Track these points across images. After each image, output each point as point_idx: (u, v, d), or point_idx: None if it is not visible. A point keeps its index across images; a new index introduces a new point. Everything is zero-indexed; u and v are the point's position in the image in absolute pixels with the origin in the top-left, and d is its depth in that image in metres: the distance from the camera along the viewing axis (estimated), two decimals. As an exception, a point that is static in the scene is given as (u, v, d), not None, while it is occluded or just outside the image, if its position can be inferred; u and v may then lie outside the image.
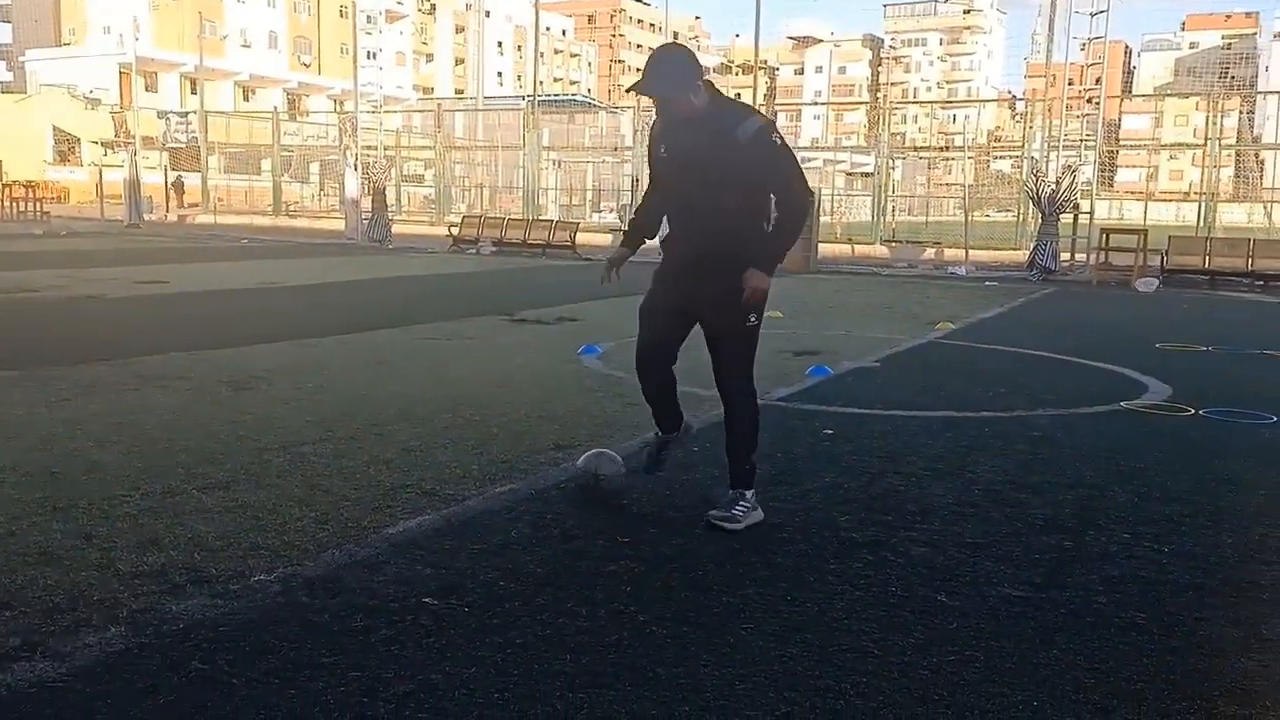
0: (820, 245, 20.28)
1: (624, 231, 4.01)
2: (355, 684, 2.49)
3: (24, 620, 2.78)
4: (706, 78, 3.60)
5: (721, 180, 3.54)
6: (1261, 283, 17.24)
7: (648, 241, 3.95)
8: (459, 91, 75.34)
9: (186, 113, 39.94)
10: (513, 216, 25.18)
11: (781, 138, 3.60)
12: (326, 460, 4.52)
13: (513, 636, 2.79)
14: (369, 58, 60.33)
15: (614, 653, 2.71)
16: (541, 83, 31.81)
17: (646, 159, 3.89)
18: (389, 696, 2.43)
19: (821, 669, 2.66)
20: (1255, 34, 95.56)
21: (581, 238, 22.89)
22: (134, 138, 33.03)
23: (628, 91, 3.62)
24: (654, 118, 3.77)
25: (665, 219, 3.84)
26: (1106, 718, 2.45)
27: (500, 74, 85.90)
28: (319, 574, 3.18)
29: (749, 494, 3.79)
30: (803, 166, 3.78)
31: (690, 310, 3.73)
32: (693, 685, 2.54)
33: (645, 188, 3.98)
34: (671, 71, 3.53)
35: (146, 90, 50.99)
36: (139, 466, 4.33)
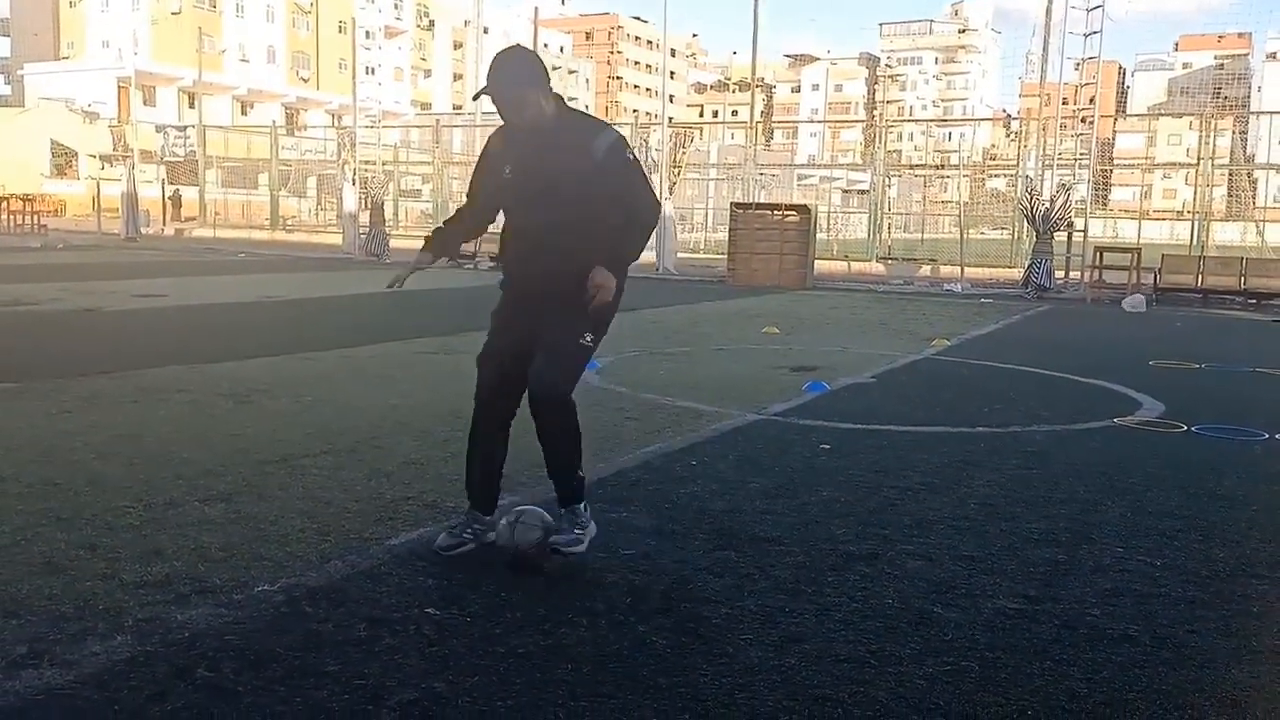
0: (816, 262, 20.37)
1: (427, 237, 3.68)
2: (359, 692, 2.52)
3: (31, 628, 2.81)
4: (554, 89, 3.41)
5: (574, 197, 3.33)
6: (1254, 301, 17.36)
7: (444, 259, 3.69)
8: (457, 107, 75.63)
9: (184, 127, 40.07)
10: (510, 232, 25.21)
11: (634, 153, 3.46)
12: (327, 473, 4.55)
13: (515, 646, 2.82)
14: (367, 73, 60.60)
15: (615, 662, 2.75)
16: (539, 99, 31.93)
17: (473, 179, 3.60)
18: (393, 705, 2.47)
19: (819, 678, 2.70)
20: (1247, 55, 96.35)
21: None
22: (132, 152, 33.11)
23: (475, 98, 3.33)
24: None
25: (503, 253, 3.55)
26: (1099, 727, 2.49)
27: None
28: (322, 584, 3.21)
29: (581, 507, 3.49)
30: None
31: (525, 344, 3.42)
32: (692, 694, 2.58)
33: (463, 203, 3.68)
34: (522, 70, 3.30)
35: (145, 104, 51.15)
36: (141, 478, 4.36)
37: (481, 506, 3.62)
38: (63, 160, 49.51)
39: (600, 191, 3.34)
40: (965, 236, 22.47)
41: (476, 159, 3.61)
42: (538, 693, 2.56)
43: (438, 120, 36.54)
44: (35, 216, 31.16)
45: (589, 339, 3.41)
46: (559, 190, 3.35)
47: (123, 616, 2.90)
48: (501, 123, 3.45)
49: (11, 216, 31.19)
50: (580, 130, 3.41)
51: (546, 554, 3.42)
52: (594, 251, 3.34)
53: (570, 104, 3.51)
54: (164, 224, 34.42)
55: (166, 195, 36.38)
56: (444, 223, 3.75)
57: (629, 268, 3.49)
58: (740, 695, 2.58)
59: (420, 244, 3.74)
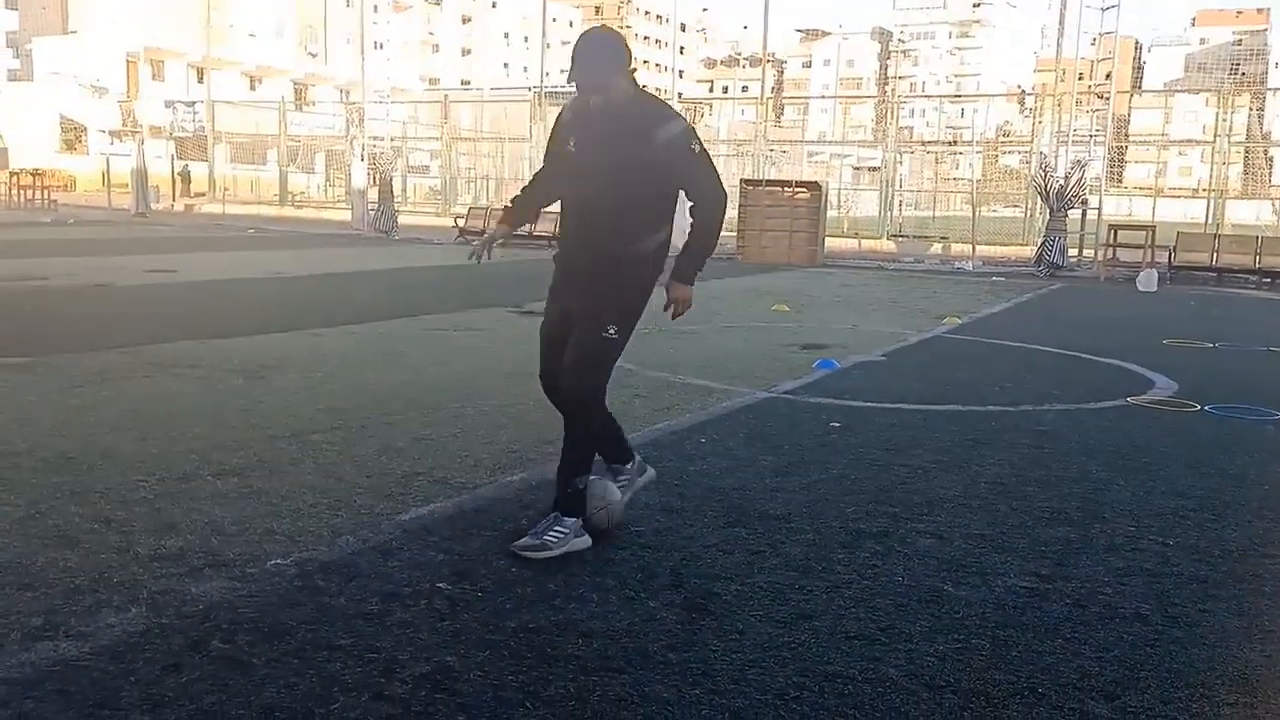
0: (827, 239, 20.29)
1: (505, 208, 3.70)
2: (372, 665, 2.54)
3: (46, 600, 2.83)
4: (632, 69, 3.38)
5: (631, 182, 3.32)
6: (1269, 280, 17.23)
7: (525, 227, 3.71)
8: (465, 82, 75.33)
9: (193, 102, 39.97)
10: (519, 208, 25.14)
11: (700, 144, 3.39)
12: (338, 448, 4.56)
13: (525, 621, 2.84)
14: (376, 48, 60.33)
15: (625, 638, 2.76)
16: (548, 74, 31.78)
17: (548, 147, 3.59)
18: (405, 678, 2.48)
19: (829, 655, 2.70)
20: (1266, 30, 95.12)
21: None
22: (141, 127, 33.11)
23: (569, 81, 3.29)
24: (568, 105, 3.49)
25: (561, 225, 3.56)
26: (1110, 704, 2.49)
27: (506, 64, 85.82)
28: (334, 559, 3.23)
29: (569, 520, 3.39)
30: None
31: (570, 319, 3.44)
32: (703, 670, 2.59)
33: (537, 172, 3.67)
34: (610, 57, 3.28)
35: (153, 79, 51.05)
36: (153, 453, 4.38)
37: (615, 459, 3.63)
38: (72, 135, 49.51)
39: (661, 177, 3.33)
40: (977, 214, 22.32)
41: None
42: (548, 667, 2.57)
43: (446, 96, 36.37)
44: (45, 191, 31.19)
45: (613, 331, 3.38)
46: (614, 173, 3.33)
47: (137, 589, 2.92)
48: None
49: (22, 191, 31.23)
50: (648, 116, 3.35)
51: (608, 521, 3.50)
52: (635, 239, 3.35)
53: (640, 88, 3.47)
54: (173, 200, 34.45)
55: (176, 171, 36.38)
56: (520, 191, 3.72)
57: (659, 263, 3.46)
58: (751, 671, 2.59)
59: (487, 220, 3.78)
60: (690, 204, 3.43)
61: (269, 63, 63.39)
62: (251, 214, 30.41)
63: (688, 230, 3.44)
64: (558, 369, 3.46)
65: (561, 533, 3.36)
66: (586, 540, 3.42)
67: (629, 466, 3.69)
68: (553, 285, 3.60)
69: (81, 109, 49.98)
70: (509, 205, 3.70)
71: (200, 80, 48.63)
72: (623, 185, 3.33)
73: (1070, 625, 2.95)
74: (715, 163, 3.55)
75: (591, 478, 3.52)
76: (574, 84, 3.29)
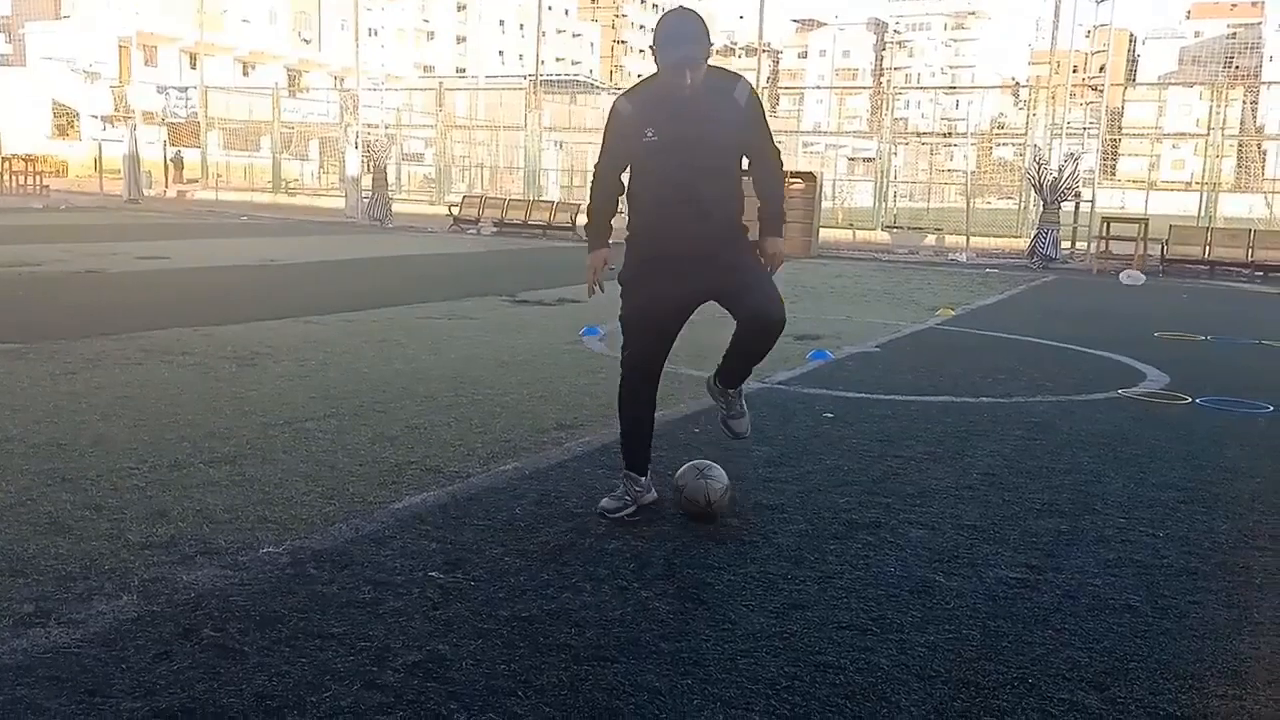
0: (821, 230, 20.28)
1: (590, 234, 3.67)
2: (364, 653, 2.54)
3: (37, 587, 2.82)
4: None
5: (728, 147, 3.45)
6: (1261, 274, 17.28)
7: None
8: (460, 70, 75.02)
9: (186, 88, 39.74)
10: (513, 197, 25.14)
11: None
12: (331, 436, 4.56)
13: (518, 610, 2.84)
14: (370, 34, 60.06)
15: (618, 627, 2.76)
16: (543, 62, 31.67)
17: (611, 144, 3.53)
18: (397, 666, 2.48)
19: (821, 645, 2.71)
20: (1260, 24, 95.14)
21: (583, 219, 22.86)
22: (134, 112, 32.90)
23: (675, 64, 3.25)
24: (626, 96, 3.50)
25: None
26: (1100, 695, 2.51)
27: (502, 52, 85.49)
28: (326, 547, 3.23)
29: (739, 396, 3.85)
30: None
31: (695, 298, 3.57)
32: (695, 660, 2.59)
33: (598, 177, 3.60)
34: (703, 36, 3.30)
35: (146, 64, 50.67)
36: (145, 440, 4.37)
37: (638, 468, 3.73)
38: (64, 121, 49.21)
39: (744, 138, 3.47)
40: (971, 206, 22.33)
41: (606, 129, 3.55)
42: (541, 656, 2.57)
43: (441, 83, 36.22)
44: (37, 177, 31.01)
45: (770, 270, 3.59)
46: (714, 138, 3.40)
47: (129, 576, 2.92)
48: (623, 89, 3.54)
49: (14, 177, 31.06)
50: (722, 79, 3.44)
51: (727, 506, 3.66)
52: (739, 194, 3.53)
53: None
54: (166, 186, 34.29)
55: (168, 157, 36.19)
56: (592, 212, 3.69)
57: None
58: (743, 661, 2.59)
59: (586, 245, 3.72)
60: (755, 165, 3.56)
61: (262, 48, 63.04)
62: (244, 201, 30.30)
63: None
64: (653, 354, 3.65)
65: (742, 404, 3.87)
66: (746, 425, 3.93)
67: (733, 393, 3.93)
68: (645, 273, 3.55)
69: (74, 94, 49.66)
70: (593, 226, 3.67)
71: (193, 66, 48.37)
72: (720, 149, 3.44)
73: (1060, 616, 2.97)
74: None
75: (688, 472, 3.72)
76: (672, 61, 3.26)
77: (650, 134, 3.39)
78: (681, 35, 3.27)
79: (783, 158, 3.69)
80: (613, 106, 3.54)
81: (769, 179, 3.58)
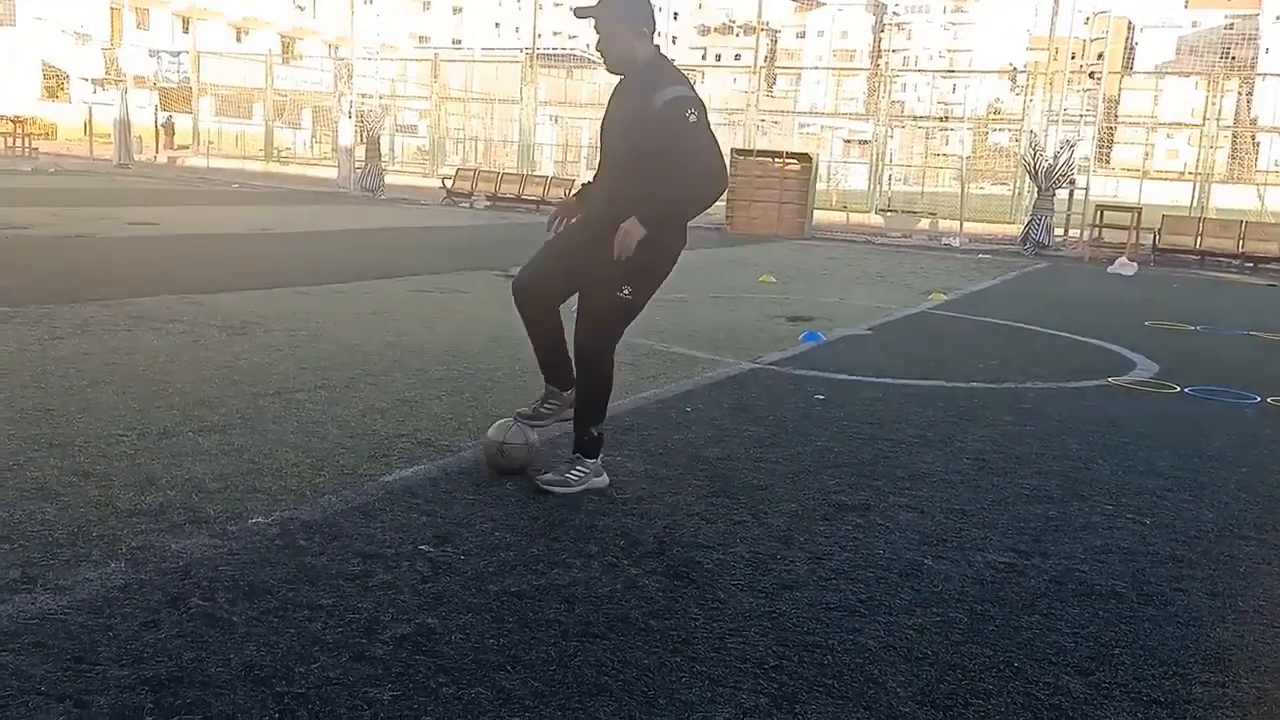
0: (815, 212, 20.24)
1: (582, 186, 3.92)
2: (353, 625, 2.53)
3: (23, 553, 2.81)
4: (658, 45, 3.58)
5: (628, 139, 3.51)
6: (1251, 265, 17.35)
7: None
8: (456, 41, 74.38)
9: (178, 52, 39.30)
10: (507, 171, 25.01)
11: (699, 115, 3.39)
12: (322, 407, 4.54)
13: (507, 585, 2.84)
14: (365, 3, 59.40)
15: (607, 604, 2.77)
16: (540, 35, 31.40)
17: None
18: (386, 639, 2.48)
19: (810, 625, 2.72)
20: (1257, 15, 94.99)
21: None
22: (125, 76, 32.54)
23: (578, 16, 3.53)
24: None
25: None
26: (1085, 680, 2.52)
27: (498, 24, 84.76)
28: (316, 518, 3.22)
29: (589, 460, 3.63)
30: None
31: (576, 265, 3.62)
32: (684, 638, 2.60)
33: None
34: (622, 5, 3.47)
35: (137, 27, 50.08)
36: (134, 407, 4.34)
37: (556, 383, 3.87)
38: (54, 83, 48.64)
39: (648, 138, 3.43)
40: (965, 191, 22.31)
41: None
42: (530, 632, 2.57)
43: (436, 55, 35.92)
44: (26, 139, 30.69)
45: (627, 292, 3.50)
46: (621, 131, 3.54)
47: (117, 544, 2.91)
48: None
49: (2, 139, 30.73)
50: (654, 79, 3.48)
51: (517, 465, 3.71)
52: (635, 199, 3.44)
53: (663, 58, 3.59)
54: (156, 151, 33.97)
55: (159, 122, 35.84)
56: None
57: (674, 226, 3.56)
58: (731, 640, 2.60)
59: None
60: (674, 167, 3.43)
61: (256, 14, 62.30)
62: (236, 169, 30.05)
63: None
64: (540, 280, 3.70)
65: (582, 472, 3.62)
66: (605, 479, 3.67)
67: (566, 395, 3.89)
68: (574, 223, 3.76)
69: (64, 56, 49.06)
70: (581, 188, 3.90)
71: (185, 30, 47.85)
72: (624, 143, 3.54)
73: (1047, 601, 2.98)
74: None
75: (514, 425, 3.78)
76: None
77: (605, 110, 3.67)
78: (600, 4, 3.49)
79: (711, 178, 3.45)
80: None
81: (675, 179, 3.41)
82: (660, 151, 3.40)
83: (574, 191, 3.92)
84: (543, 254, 3.77)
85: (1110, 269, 15.64)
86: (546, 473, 3.61)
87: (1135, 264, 16.01)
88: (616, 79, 3.65)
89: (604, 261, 3.46)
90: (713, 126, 3.56)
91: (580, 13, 3.55)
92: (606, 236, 3.44)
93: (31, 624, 2.43)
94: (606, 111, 3.66)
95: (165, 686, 2.19)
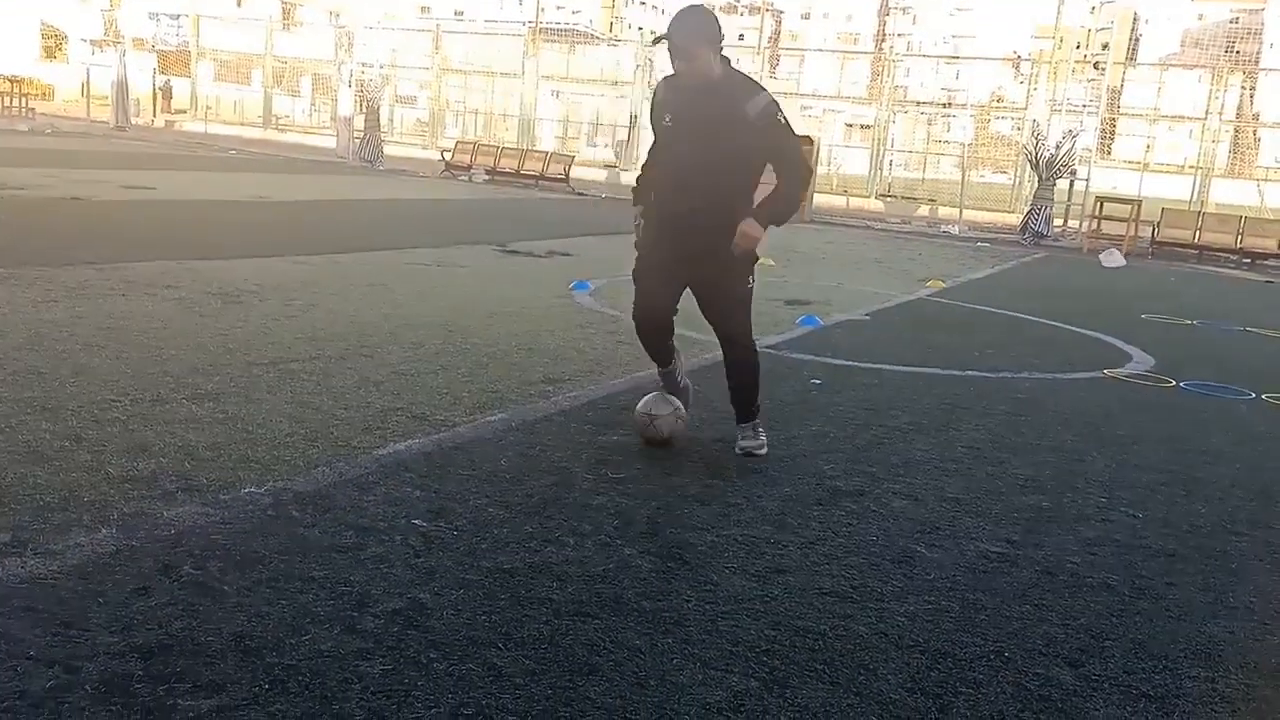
0: (815, 196, 20.17)
1: (634, 190, 4.11)
2: (345, 598, 2.53)
3: (14, 516, 2.79)
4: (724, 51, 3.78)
5: (727, 152, 3.70)
6: (1249, 260, 17.35)
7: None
8: (458, 13, 73.76)
9: (177, 15, 38.94)
10: (507, 145, 24.86)
11: (785, 116, 3.73)
12: (316, 378, 4.51)
13: (500, 562, 2.83)
14: (367, -29, 58.72)
15: (600, 583, 2.76)
16: (543, 9, 31.16)
17: (651, 124, 4.04)
18: (378, 612, 2.47)
19: (801, 610, 2.72)
20: (1263, 10, 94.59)
21: (576, 171, 22.67)
22: (124, 37, 32.23)
23: (654, 43, 3.82)
24: (655, 74, 3.87)
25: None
26: (1074, 671, 2.53)
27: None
28: (309, 490, 3.20)
29: (757, 423, 4.10)
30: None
31: (683, 269, 3.87)
32: (676, 620, 2.60)
33: (651, 146, 4.07)
34: (699, 27, 3.63)
35: (137, -11, 49.48)
36: (127, 372, 4.32)
37: (664, 363, 4.18)
38: (52, 43, 48.18)
39: (749, 143, 3.69)
40: (966, 178, 22.25)
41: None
42: (521, 609, 2.57)
43: (438, 25, 35.61)
44: (24, 99, 30.40)
45: (751, 281, 3.94)
46: (715, 135, 3.69)
47: (108, 509, 2.89)
48: (670, 74, 3.82)
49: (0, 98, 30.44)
50: (739, 88, 3.73)
51: (666, 433, 4.01)
52: (736, 192, 3.76)
53: (731, 67, 3.83)
54: (154, 115, 33.72)
55: (157, 86, 35.54)
56: (642, 168, 4.08)
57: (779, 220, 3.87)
58: (723, 623, 2.60)
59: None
60: (774, 170, 3.78)
61: (257, -21, 61.55)
62: (233, 135, 29.85)
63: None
64: (654, 306, 3.94)
65: (763, 432, 4.09)
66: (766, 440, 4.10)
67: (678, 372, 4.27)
68: (651, 239, 3.94)
69: (63, 16, 48.56)
70: (639, 187, 4.06)
71: (185, -7, 47.27)
72: (719, 147, 3.69)
73: (1039, 592, 2.99)
74: None
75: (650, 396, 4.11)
76: (670, 51, 3.63)
77: (668, 119, 3.81)
78: (675, 27, 3.63)
79: (806, 172, 3.89)
80: (654, 90, 3.99)
81: (780, 186, 3.78)
82: (768, 157, 3.74)
83: (634, 187, 4.10)
84: (647, 282, 3.96)
85: (1100, 259, 15.57)
86: (742, 441, 4.04)
87: (1123, 256, 15.87)
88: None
89: (721, 267, 3.80)
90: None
91: (671, 48, 3.64)
92: (711, 245, 3.73)
93: (21, 588, 2.41)
94: (675, 116, 3.77)
95: (155, 654, 2.19)
